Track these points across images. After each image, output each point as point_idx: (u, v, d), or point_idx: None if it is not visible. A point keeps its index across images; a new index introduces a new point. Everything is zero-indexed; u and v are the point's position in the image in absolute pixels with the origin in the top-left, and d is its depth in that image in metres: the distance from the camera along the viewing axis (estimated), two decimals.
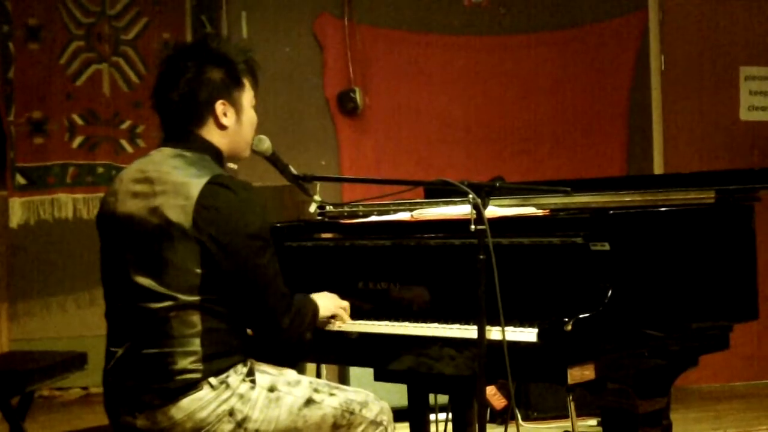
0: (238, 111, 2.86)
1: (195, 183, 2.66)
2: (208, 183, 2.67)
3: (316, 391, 2.81)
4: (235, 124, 2.85)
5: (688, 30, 6.66)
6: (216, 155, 2.82)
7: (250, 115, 2.90)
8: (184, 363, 2.64)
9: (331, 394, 2.82)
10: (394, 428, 2.93)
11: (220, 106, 2.81)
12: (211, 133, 2.82)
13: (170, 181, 2.69)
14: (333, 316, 3.03)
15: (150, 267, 2.68)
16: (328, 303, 3.02)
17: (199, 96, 2.79)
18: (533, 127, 6.70)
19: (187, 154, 2.77)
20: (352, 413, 2.82)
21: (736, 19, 6.65)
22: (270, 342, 2.81)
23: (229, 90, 2.83)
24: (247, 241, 2.68)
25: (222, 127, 2.82)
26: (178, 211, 2.65)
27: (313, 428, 2.79)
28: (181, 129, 2.81)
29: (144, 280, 2.68)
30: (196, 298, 2.65)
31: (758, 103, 6.66)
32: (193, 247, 2.64)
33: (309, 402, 2.78)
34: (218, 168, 2.78)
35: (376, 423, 2.86)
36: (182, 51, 2.88)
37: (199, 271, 2.65)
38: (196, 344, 2.65)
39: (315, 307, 2.93)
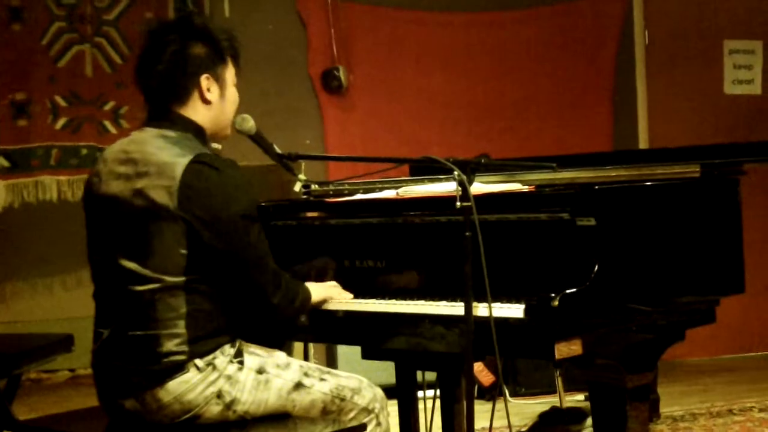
0: (221, 86, 2.85)
1: (179, 163, 2.65)
2: (192, 162, 2.65)
3: (306, 375, 2.81)
4: (219, 100, 2.84)
5: (671, 4, 6.65)
6: (199, 133, 2.80)
7: (232, 92, 2.90)
8: (169, 346, 2.63)
9: (322, 379, 2.82)
10: (388, 414, 2.92)
11: (204, 81, 2.80)
12: (195, 111, 2.80)
13: (153, 162, 2.68)
14: (325, 301, 2.98)
15: (135, 250, 2.67)
16: (318, 290, 2.98)
17: (184, 69, 2.77)
18: (519, 103, 6.69)
19: (171, 133, 2.75)
20: (342, 399, 2.82)
21: None
22: (262, 319, 2.80)
23: (214, 65, 2.83)
24: (233, 220, 2.67)
25: (206, 101, 2.81)
26: (163, 193, 2.63)
27: (302, 412, 2.78)
28: (165, 108, 2.80)
29: (129, 264, 2.67)
30: (182, 279, 2.64)
31: (742, 77, 6.64)
32: (178, 228, 2.63)
33: (298, 386, 2.78)
34: (202, 147, 2.76)
35: (367, 410, 2.85)
36: (165, 26, 2.87)
37: (184, 251, 2.64)
38: (180, 326, 2.64)
39: (306, 291, 2.90)
